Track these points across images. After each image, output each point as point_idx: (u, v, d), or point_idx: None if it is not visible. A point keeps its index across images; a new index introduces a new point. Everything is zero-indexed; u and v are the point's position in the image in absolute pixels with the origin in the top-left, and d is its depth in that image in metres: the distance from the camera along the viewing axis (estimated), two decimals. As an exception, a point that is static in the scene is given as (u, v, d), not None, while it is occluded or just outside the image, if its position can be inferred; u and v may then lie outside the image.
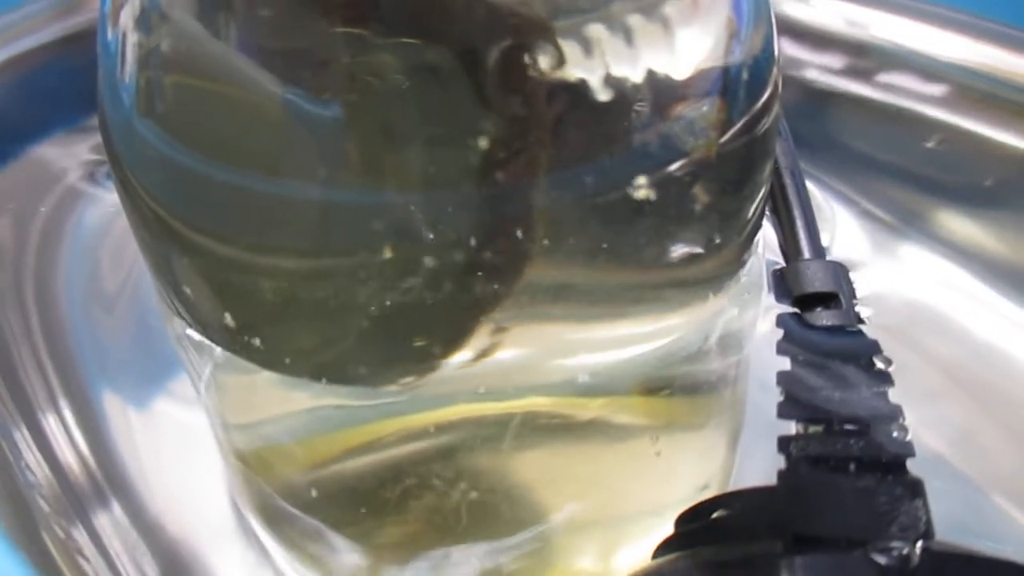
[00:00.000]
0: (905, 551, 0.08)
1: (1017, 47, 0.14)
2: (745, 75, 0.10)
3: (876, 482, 0.08)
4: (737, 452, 0.12)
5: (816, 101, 0.17)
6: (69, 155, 0.17)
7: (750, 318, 0.11)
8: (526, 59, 0.08)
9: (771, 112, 0.10)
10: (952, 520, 0.10)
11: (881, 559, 0.08)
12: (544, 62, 0.08)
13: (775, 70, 0.11)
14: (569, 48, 0.08)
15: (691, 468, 0.12)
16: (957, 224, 0.15)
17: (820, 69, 0.17)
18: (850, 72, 0.17)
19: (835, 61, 0.17)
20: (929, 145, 0.15)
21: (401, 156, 0.08)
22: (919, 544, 0.08)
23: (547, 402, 0.10)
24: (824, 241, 0.12)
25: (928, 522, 0.08)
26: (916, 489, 0.08)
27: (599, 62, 0.08)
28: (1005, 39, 0.15)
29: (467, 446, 0.10)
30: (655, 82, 0.09)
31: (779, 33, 0.15)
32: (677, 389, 0.11)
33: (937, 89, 0.16)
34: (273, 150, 0.08)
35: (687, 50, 0.09)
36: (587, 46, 0.08)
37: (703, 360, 0.11)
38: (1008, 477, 0.13)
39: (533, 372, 0.10)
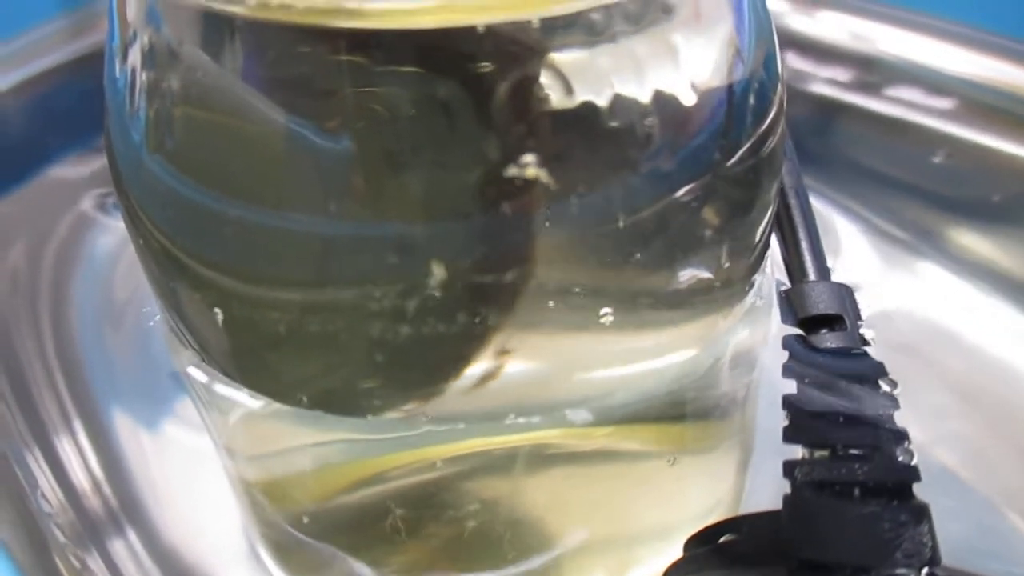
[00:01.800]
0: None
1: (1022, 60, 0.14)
2: (750, 96, 0.10)
3: (881, 508, 0.08)
4: (747, 474, 0.12)
5: (823, 115, 0.17)
6: (82, 178, 0.17)
7: (760, 338, 0.11)
8: (529, 88, 0.08)
9: (776, 131, 0.11)
10: (963, 539, 0.10)
11: None
12: (547, 90, 0.08)
13: (779, 89, 0.11)
14: (571, 74, 0.08)
15: (700, 491, 0.12)
16: (966, 239, 0.15)
17: (826, 82, 0.17)
18: (856, 86, 0.17)
19: (841, 74, 0.17)
20: (936, 160, 0.15)
21: (407, 186, 0.08)
22: (924, 571, 0.08)
23: (556, 433, 0.10)
24: (831, 257, 0.12)
25: (934, 548, 0.08)
26: (921, 514, 0.08)
27: (603, 88, 0.08)
28: (1010, 52, 0.15)
29: (476, 477, 0.10)
30: (660, 107, 0.09)
31: (785, 47, 0.15)
32: (689, 414, 0.11)
33: (944, 103, 0.16)
34: (279, 183, 0.09)
35: (691, 73, 0.09)
36: (589, 72, 0.08)
37: (714, 382, 0.11)
38: (1019, 494, 0.13)
39: (542, 398, 0.10)
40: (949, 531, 0.08)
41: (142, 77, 0.09)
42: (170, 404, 0.13)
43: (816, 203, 0.12)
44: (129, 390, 0.14)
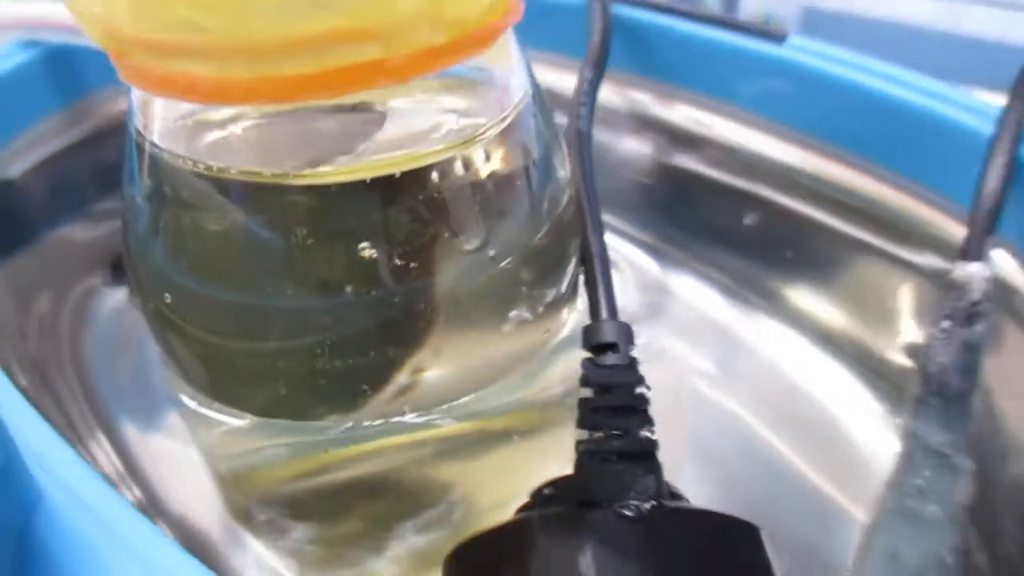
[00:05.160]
0: (642, 507, 0.13)
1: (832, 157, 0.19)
2: (547, 189, 0.15)
3: (624, 466, 0.13)
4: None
5: (678, 185, 0.22)
6: (86, 239, 0.22)
7: (574, 358, 0.16)
8: (402, 216, 0.13)
9: (570, 209, 0.15)
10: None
11: (627, 512, 0.13)
12: (415, 216, 0.13)
13: (567, 175, 0.15)
14: (429, 205, 0.13)
15: (542, 461, 0.16)
16: (789, 292, 0.20)
17: (678, 157, 0.22)
18: (701, 161, 0.22)
19: (689, 152, 0.22)
20: (747, 222, 0.20)
21: (331, 275, 0.13)
22: (651, 503, 0.13)
23: (446, 426, 0.15)
24: (664, 295, 0.16)
25: (659, 489, 0.13)
26: (652, 467, 0.13)
27: (450, 211, 0.13)
28: (813, 146, 0.19)
29: (392, 458, 0.15)
30: (486, 214, 0.13)
31: (648, 129, 0.20)
32: (528, 408, 0.16)
33: (762, 177, 0.20)
34: (240, 272, 0.13)
35: (506, 185, 0.14)
36: (439, 202, 0.13)
37: (545, 388, 0.16)
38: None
39: (431, 404, 0.15)
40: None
41: (146, 193, 0.14)
42: (167, 419, 0.18)
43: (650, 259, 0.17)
44: (135, 408, 0.18)
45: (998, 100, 0.16)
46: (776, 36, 0.19)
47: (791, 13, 0.33)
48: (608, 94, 0.22)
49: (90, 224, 0.22)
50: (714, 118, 0.21)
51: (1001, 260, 0.15)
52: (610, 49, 0.20)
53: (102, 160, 0.23)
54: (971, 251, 0.14)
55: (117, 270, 0.21)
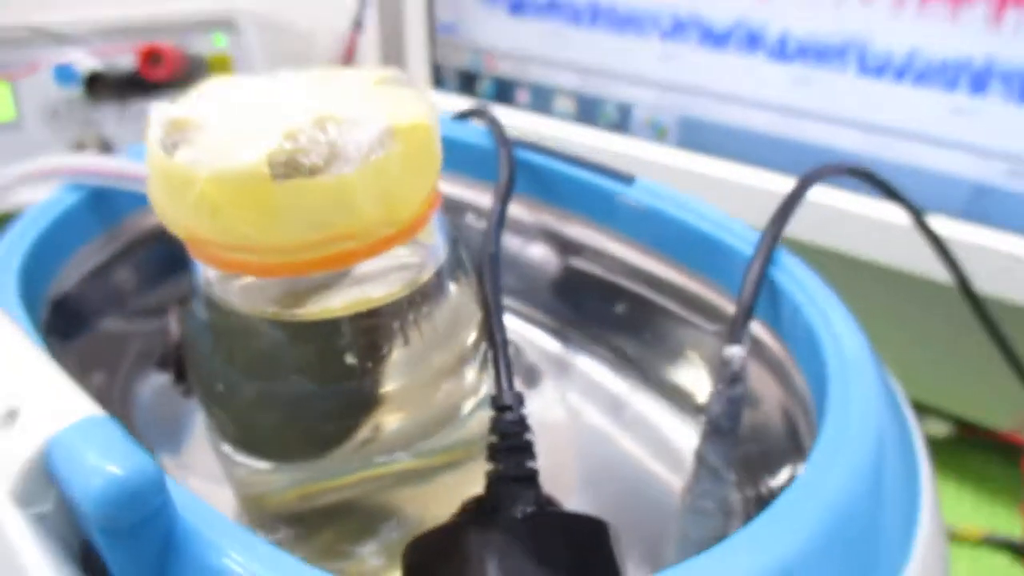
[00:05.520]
0: (526, 511, 0.20)
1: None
2: (464, 307, 0.22)
3: (517, 486, 0.20)
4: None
5: (569, 283, 0.30)
6: (127, 331, 0.29)
7: (485, 415, 0.23)
8: (367, 341, 0.20)
9: (478, 317, 0.23)
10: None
11: (516, 514, 0.20)
12: (383, 334, 0.20)
13: (474, 295, 0.23)
14: (388, 318, 0.20)
15: (472, 484, 0.24)
16: (647, 358, 0.28)
17: (573, 262, 0.30)
18: (587, 263, 0.29)
19: (578, 260, 0.30)
20: (618, 311, 0.28)
21: (328, 370, 0.21)
22: (532, 508, 0.20)
23: (403, 463, 0.22)
24: (554, 367, 0.24)
25: (538, 500, 0.20)
26: (533, 486, 0.20)
27: (403, 325, 0.20)
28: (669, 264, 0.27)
29: (366, 488, 0.22)
30: (426, 325, 0.21)
31: (551, 240, 0.28)
32: (459, 447, 0.23)
33: (630, 276, 0.28)
34: (264, 370, 0.21)
35: (436, 306, 0.21)
36: (398, 319, 0.21)
37: (469, 435, 0.23)
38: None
39: (392, 448, 0.22)
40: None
41: (203, 316, 0.21)
42: (206, 463, 0.25)
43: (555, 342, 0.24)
44: (184, 455, 0.25)
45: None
46: (627, 179, 0.27)
47: (671, 120, 0.42)
48: (521, 212, 0.30)
49: (128, 319, 0.29)
50: (594, 233, 0.28)
51: (756, 327, 0.23)
52: (517, 182, 0.27)
53: (136, 266, 0.30)
54: (734, 337, 0.22)
55: (163, 363, 0.28)
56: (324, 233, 0.17)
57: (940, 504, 0.19)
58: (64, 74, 0.46)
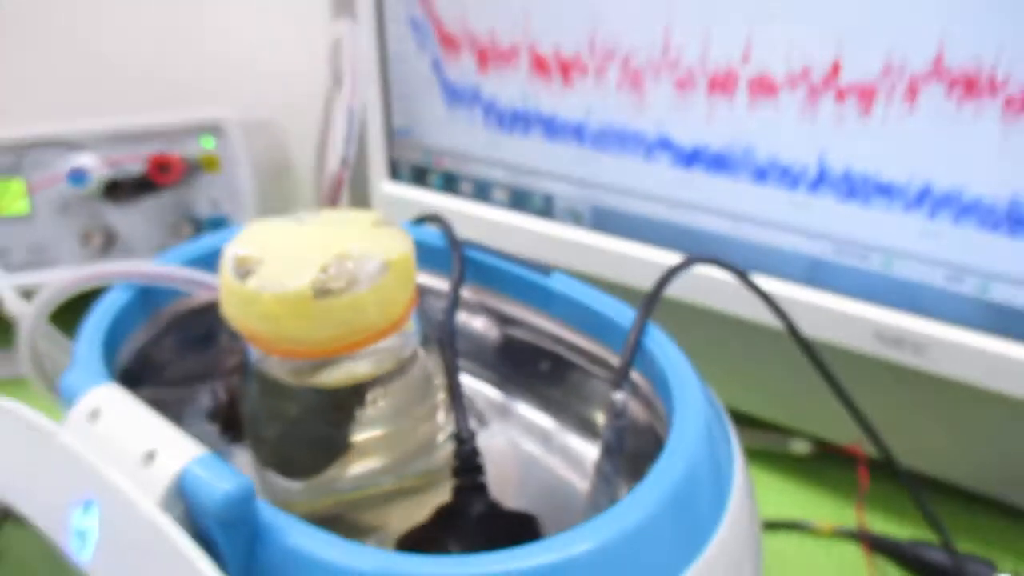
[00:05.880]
0: (479, 510, 0.29)
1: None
2: (431, 372, 0.32)
3: (471, 495, 0.30)
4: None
5: (507, 347, 0.40)
6: (174, 397, 0.37)
7: (450, 446, 0.32)
8: (352, 400, 0.30)
9: (439, 377, 0.33)
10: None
11: (472, 513, 0.29)
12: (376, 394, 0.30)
13: (437, 361, 0.33)
14: (379, 384, 0.30)
15: (437, 497, 0.33)
16: (568, 402, 0.38)
17: (510, 331, 0.40)
18: (521, 332, 0.39)
19: (514, 330, 0.40)
20: (543, 368, 0.38)
21: (339, 421, 0.30)
22: (483, 508, 0.29)
23: (383, 485, 0.31)
24: (502, 416, 0.34)
25: (487, 503, 0.30)
26: (484, 494, 0.30)
27: (389, 388, 0.30)
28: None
29: (360, 505, 0.31)
30: (405, 386, 0.31)
31: (493, 315, 0.39)
32: (433, 473, 0.33)
33: (550, 340, 0.38)
34: (284, 415, 0.30)
35: (412, 374, 0.31)
36: (386, 384, 0.30)
37: (439, 462, 0.33)
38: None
39: (371, 473, 0.31)
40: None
41: (251, 379, 0.30)
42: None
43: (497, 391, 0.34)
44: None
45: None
46: (546, 271, 0.37)
47: (586, 209, 0.52)
48: (469, 295, 0.39)
49: (172, 388, 0.38)
50: (523, 310, 0.38)
51: (635, 376, 0.33)
52: (466, 273, 0.37)
53: (175, 344, 0.39)
54: (619, 384, 0.32)
55: (212, 416, 0.37)
56: (344, 331, 0.27)
57: (749, 471, 0.29)
58: (76, 177, 0.55)
